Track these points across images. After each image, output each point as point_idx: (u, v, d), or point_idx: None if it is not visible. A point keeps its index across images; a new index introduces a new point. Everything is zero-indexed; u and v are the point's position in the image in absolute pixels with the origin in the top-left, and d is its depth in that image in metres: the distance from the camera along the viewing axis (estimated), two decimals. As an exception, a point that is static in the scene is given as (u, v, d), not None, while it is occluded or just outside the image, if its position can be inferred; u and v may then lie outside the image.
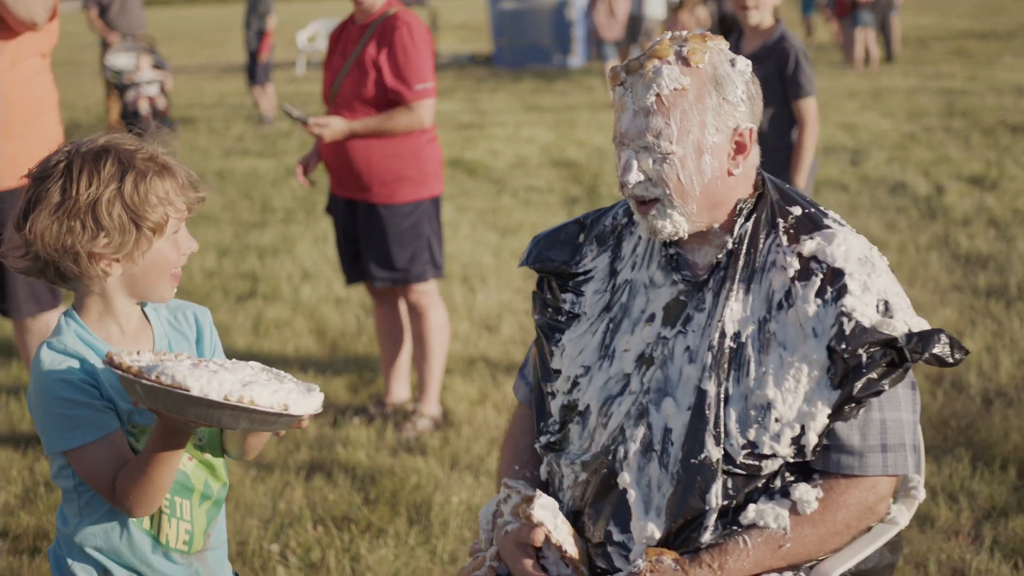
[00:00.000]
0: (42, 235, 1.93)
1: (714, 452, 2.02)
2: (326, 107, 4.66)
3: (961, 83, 13.54)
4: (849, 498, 2.03)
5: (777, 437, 2.01)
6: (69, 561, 2.09)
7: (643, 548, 2.06)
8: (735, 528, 2.04)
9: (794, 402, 2.00)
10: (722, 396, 2.05)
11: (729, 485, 2.03)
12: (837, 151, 9.94)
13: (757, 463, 2.02)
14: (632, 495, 2.08)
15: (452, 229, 7.95)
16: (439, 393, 4.84)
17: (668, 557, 2.01)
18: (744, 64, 2.11)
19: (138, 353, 1.91)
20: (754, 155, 2.17)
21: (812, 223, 2.12)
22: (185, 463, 2.10)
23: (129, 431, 2.04)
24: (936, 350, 2.01)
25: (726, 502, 2.03)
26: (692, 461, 2.03)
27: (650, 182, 2.08)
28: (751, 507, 2.03)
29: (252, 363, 1.97)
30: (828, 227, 2.11)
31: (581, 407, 2.19)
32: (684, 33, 2.13)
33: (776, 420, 2.01)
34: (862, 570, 2.10)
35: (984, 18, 21.48)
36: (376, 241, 4.57)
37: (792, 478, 2.05)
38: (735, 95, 2.08)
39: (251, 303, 6.47)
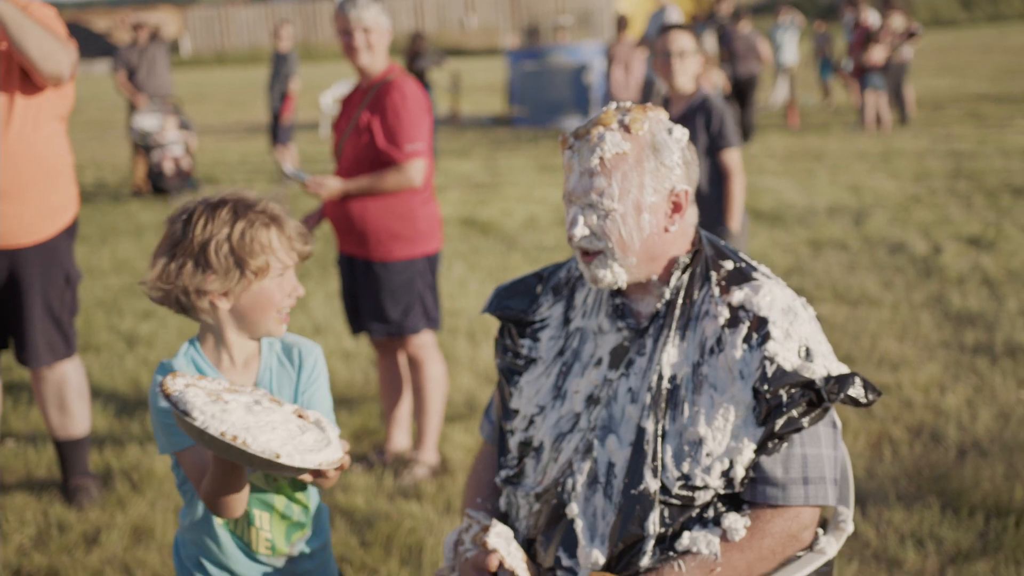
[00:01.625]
0: (160, 270, 2.24)
1: (652, 484, 2.22)
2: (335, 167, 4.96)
3: (971, 145, 13.73)
4: (774, 526, 2.21)
5: (708, 470, 2.20)
6: (180, 551, 2.43)
7: (587, 573, 2.26)
8: (671, 554, 2.23)
9: (723, 438, 2.20)
10: (659, 433, 2.24)
11: (666, 514, 2.22)
12: (841, 211, 10.15)
13: (691, 494, 2.21)
14: (579, 524, 2.28)
15: (461, 286, 8.18)
16: (437, 442, 5.04)
17: None
18: (681, 132, 2.33)
19: (208, 380, 2.12)
20: (691, 214, 2.39)
21: (741, 276, 2.33)
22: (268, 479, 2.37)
23: None
24: (851, 392, 2.21)
25: (663, 529, 2.22)
26: (632, 492, 2.23)
27: (594, 236, 2.29)
28: (685, 534, 2.22)
29: (312, 412, 2.16)
30: (755, 279, 2.32)
31: (536, 443, 2.41)
32: (628, 104, 2.37)
33: (707, 455, 2.20)
34: (794, 599, 2.29)
35: (1001, 81, 21.69)
36: (372, 295, 4.80)
37: (724, 508, 2.24)
38: (671, 160, 2.29)
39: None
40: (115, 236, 11.07)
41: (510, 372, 2.52)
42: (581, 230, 2.29)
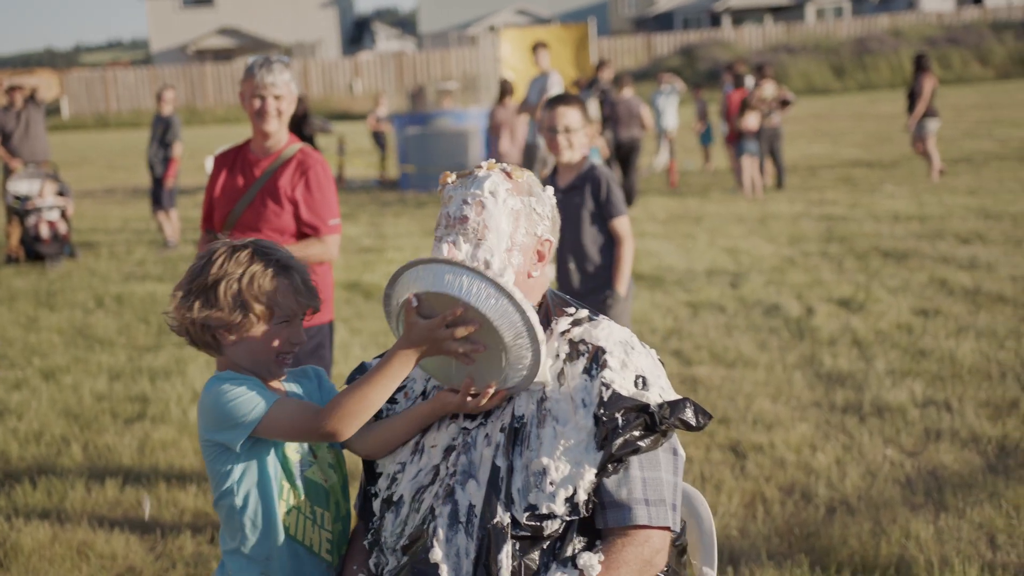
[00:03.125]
0: (176, 302, 2.40)
1: (504, 517, 2.28)
2: (205, 230, 4.90)
3: (843, 209, 14.17)
4: (627, 554, 2.28)
5: (552, 497, 2.28)
6: (236, 570, 2.41)
7: None
8: None
9: (564, 467, 2.29)
10: (508, 468, 2.32)
11: (517, 548, 2.27)
12: (719, 274, 10.38)
13: (538, 523, 2.28)
14: (443, 569, 2.30)
15: (343, 351, 8.15)
16: None
17: None
18: (551, 192, 2.49)
19: None
20: (548, 272, 2.52)
21: (583, 318, 2.48)
22: (325, 477, 2.48)
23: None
24: (683, 416, 2.33)
25: (515, 563, 2.26)
26: (487, 527, 2.29)
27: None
28: None
29: None
30: (595, 319, 2.46)
31: (395, 498, 2.45)
32: (505, 164, 2.50)
33: (551, 483, 2.28)
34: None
35: (872, 147, 22.45)
36: None
37: (579, 547, 2.29)
38: (543, 209, 2.46)
39: (139, 425, 6.58)
40: (-13, 303, 10.78)
41: None
42: (453, 252, 2.37)
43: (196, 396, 7.13)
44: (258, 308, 2.37)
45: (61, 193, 13.31)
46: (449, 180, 2.45)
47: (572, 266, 5.56)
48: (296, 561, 2.41)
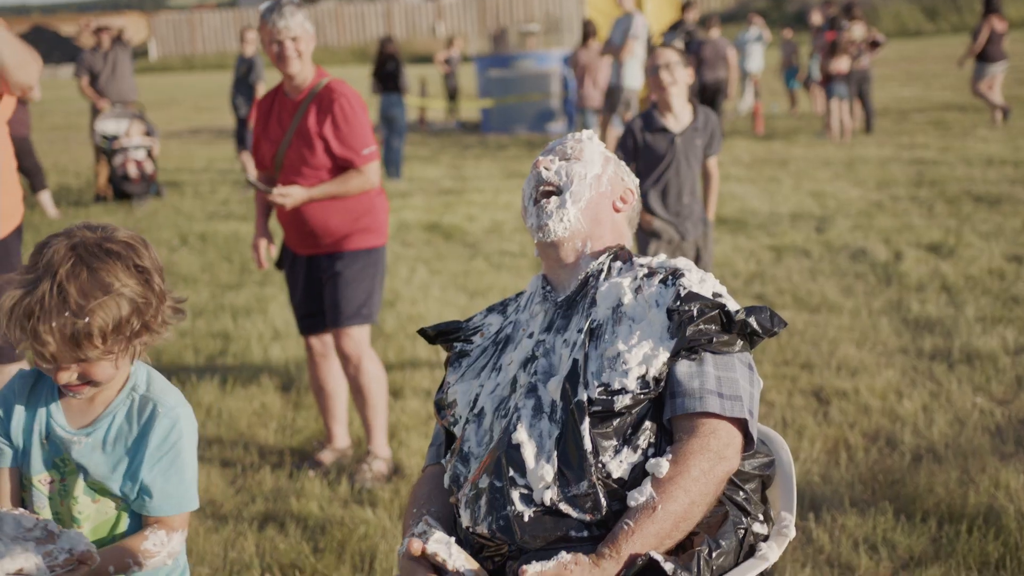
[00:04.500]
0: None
1: (583, 396, 2.32)
2: (262, 173, 4.94)
3: (934, 153, 13.82)
4: (692, 445, 2.26)
5: (625, 374, 2.31)
6: None
7: (540, 489, 2.29)
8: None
9: (639, 352, 2.32)
10: (584, 358, 2.37)
11: (592, 423, 2.30)
12: (804, 218, 10.18)
13: (609, 398, 2.30)
14: (527, 448, 2.33)
15: (423, 291, 8.16)
16: (387, 436, 5.06)
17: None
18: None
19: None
20: (629, 225, 2.65)
21: (663, 259, 2.56)
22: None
23: (55, 464, 2.26)
24: (759, 316, 2.36)
25: (592, 443, 2.28)
26: (570, 408, 2.32)
27: (558, 174, 2.54)
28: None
29: (73, 532, 2.16)
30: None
31: (476, 411, 2.49)
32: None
33: (623, 363, 2.32)
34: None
35: (965, 91, 21.80)
36: (334, 286, 4.85)
37: (651, 438, 2.31)
38: (627, 171, 2.66)
39: (220, 361, 6.65)
40: (76, 241, 10.93)
41: (452, 367, 2.65)
42: (549, 162, 2.56)
43: (277, 334, 7.19)
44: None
45: (147, 133, 13.44)
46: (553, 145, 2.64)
47: (668, 201, 5.74)
48: None
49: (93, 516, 2.30)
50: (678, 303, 2.34)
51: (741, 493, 2.34)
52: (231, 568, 4.11)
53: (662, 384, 2.32)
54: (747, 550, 2.32)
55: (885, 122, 17.50)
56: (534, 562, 2.19)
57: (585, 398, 2.31)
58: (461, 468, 2.46)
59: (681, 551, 2.26)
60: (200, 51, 49.99)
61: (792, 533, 2.39)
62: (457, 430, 2.52)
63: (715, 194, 6.07)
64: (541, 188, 2.54)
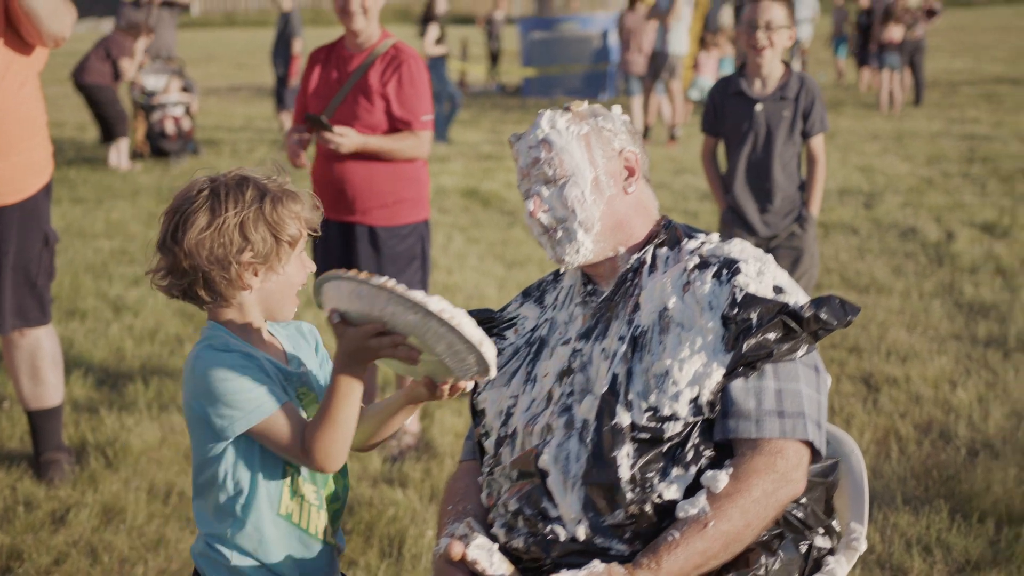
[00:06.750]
0: (197, 249, 2.09)
1: (624, 419, 2.12)
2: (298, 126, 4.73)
3: (986, 128, 13.47)
4: (756, 463, 2.07)
5: (676, 397, 2.10)
6: (228, 556, 2.18)
7: (574, 523, 2.13)
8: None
9: (690, 368, 2.10)
10: (627, 374, 2.16)
11: (636, 450, 2.10)
12: (852, 194, 9.91)
13: (659, 425, 2.10)
14: (552, 473, 2.16)
15: (460, 260, 7.98)
16: (418, 412, 4.91)
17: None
18: (618, 110, 2.34)
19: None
20: (650, 192, 2.36)
21: (714, 239, 2.31)
22: None
23: (297, 397, 2.21)
24: (827, 310, 2.12)
25: (632, 468, 2.09)
26: (604, 429, 2.13)
27: (553, 209, 2.25)
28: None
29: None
30: (727, 240, 2.29)
31: (510, 432, 2.29)
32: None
33: (673, 383, 2.11)
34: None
35: (1018, 63, 21.37)
36: (370, 262, 4.62)
37: (704, 453, 2.11)
38: (613, 124, 2.30)
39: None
40: (111, 198, 10.84)
41: None
42: (539, 204, 2.25)
43: (308, 301, 7.02)
44: (287, 234, 2.14)
45: (186, 89, 13.31)
46: (511, 140, 2.33)
47: (752, 185, 4.92)
48: (292, 545, 2.19)
49: None
50: (735, 311, 2.11)
51: (799, 511, 2.15)
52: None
53: (716, 408, 2.11)
54: (812, 566, 2.15)
55: (934, 94, 17.10)
56: (564, 571, 2.04)
57: (627, 423, 2.11)
58: (494, 484, 2.29)
59: (733, 568, 2.09)
60: (242, 7, 49.86)
61: (863, 547, 2.21)
62: (489, 445, 2.33)
63: (820, 183, 4.94)
64: (540, 226, 2.27)
